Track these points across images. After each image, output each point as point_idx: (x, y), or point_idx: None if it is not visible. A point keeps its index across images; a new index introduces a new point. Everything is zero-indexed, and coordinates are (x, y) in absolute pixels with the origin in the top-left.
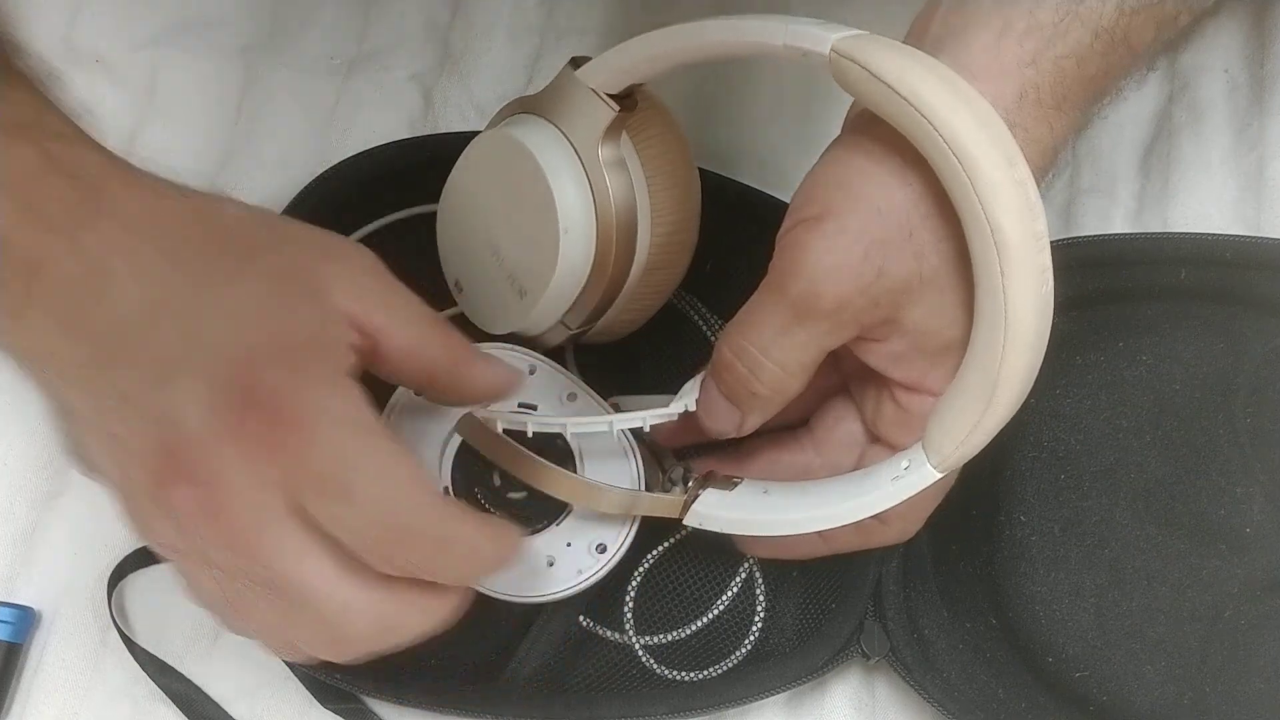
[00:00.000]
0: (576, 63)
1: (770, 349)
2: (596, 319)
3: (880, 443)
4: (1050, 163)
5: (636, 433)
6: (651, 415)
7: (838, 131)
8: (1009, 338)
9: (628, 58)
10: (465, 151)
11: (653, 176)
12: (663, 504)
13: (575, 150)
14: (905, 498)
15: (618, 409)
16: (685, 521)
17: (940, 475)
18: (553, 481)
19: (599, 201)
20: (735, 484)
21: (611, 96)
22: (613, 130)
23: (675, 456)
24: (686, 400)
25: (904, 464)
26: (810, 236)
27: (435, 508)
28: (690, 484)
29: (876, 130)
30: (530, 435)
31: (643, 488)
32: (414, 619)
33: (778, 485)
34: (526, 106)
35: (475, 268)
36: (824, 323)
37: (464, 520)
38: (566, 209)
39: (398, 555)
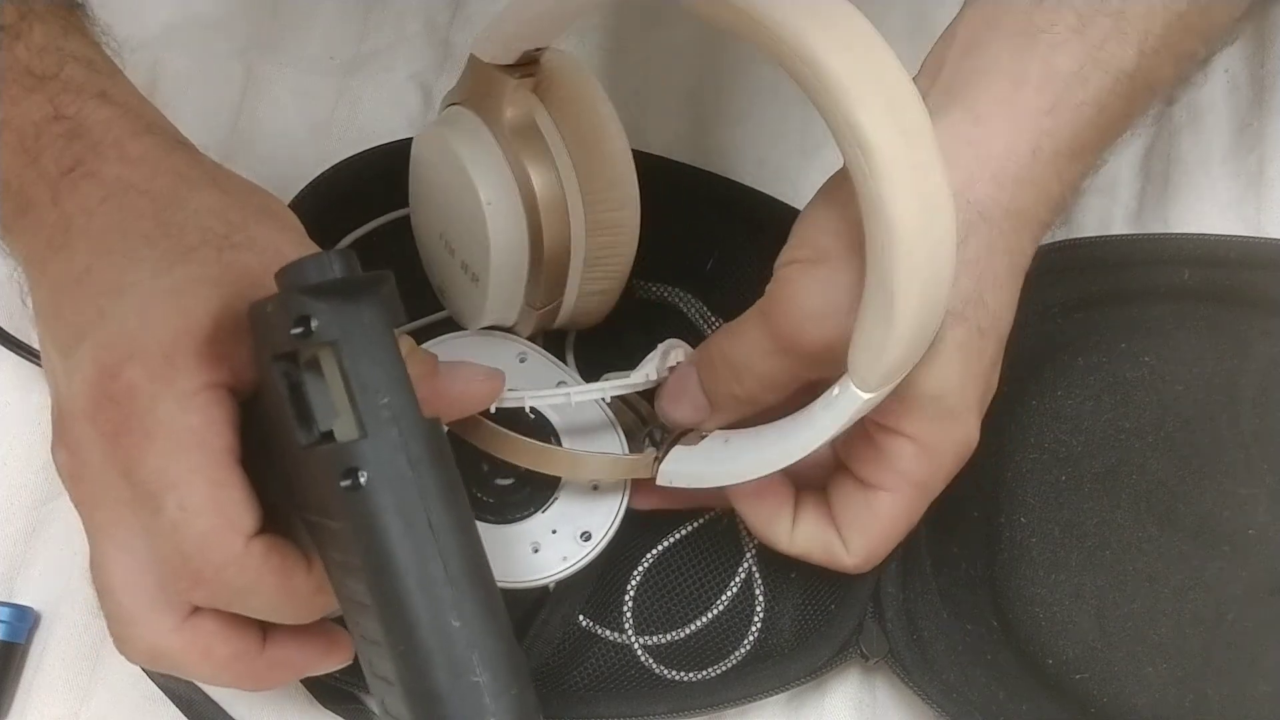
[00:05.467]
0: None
1: (754, 364)
2: (557, 294)
3: (845, 471)
4: (1055, 215)
5: (620, 408)
6: (611, 387)
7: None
8: (891, 241)
9: (512, 24)
10: (410, 158)
11: (570, 136)
12: (637, 465)
13: (486, 126)
14: (842, 423)
15: None
16: (658, 483)
17: (867, 396)
18: (525, 454)
19: (516, 170)
20: (702, 438)
21: (512, 65)
22: (515, 98)
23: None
24: (648, 370)
25: (834, 391)
26: (802, 279)
27: (233, 552)
28: (662, 443)
29: None
30: (494, 411)
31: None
32: (220, 652)
33: (738, 433)
34: (449, 99)
35: (442, 267)
36: (805, 359)
37: (262, 574)
38: (484, 182)
39: (190, 592)
